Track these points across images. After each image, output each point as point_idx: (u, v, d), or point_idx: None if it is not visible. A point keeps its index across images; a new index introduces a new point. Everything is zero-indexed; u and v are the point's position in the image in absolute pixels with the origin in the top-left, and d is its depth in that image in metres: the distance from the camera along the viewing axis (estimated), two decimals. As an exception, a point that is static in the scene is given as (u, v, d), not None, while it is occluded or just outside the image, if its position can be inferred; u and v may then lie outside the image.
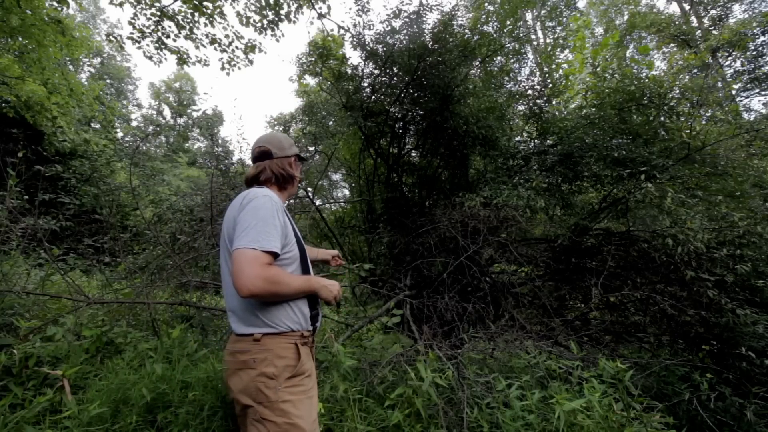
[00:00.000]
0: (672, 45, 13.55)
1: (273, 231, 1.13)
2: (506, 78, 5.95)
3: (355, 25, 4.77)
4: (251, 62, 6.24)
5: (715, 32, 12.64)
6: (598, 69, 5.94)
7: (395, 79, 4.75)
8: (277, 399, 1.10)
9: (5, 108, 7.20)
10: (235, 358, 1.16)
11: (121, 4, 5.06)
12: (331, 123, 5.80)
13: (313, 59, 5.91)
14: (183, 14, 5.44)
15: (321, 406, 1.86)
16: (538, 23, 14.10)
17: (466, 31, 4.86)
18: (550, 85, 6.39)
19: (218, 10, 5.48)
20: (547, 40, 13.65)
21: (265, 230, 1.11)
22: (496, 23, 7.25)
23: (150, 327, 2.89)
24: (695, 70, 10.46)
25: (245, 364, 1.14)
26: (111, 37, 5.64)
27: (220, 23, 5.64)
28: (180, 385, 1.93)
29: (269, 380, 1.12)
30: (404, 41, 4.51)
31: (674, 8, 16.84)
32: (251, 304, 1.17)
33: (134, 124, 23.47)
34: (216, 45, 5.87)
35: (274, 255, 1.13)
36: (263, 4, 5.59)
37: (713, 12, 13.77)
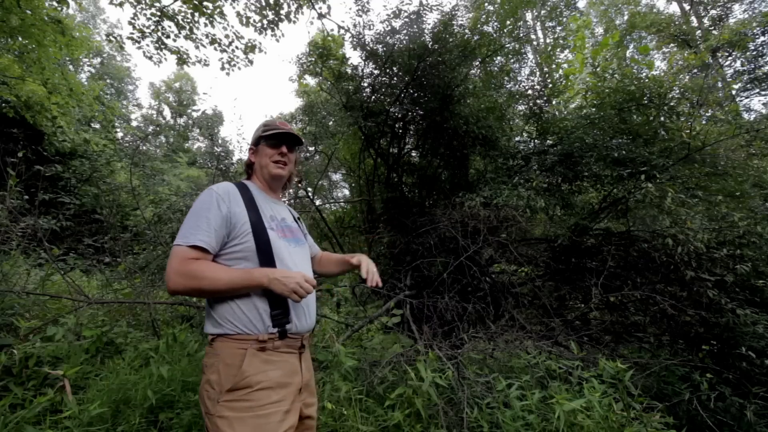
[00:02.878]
0: (672, 45, 13.55)
1: (203, 224, 1.07)
2: (506, 78, 5.95)
3: (355, 25, 4.78)
4: (251, 62, 6.23)
5: (715, 32, 12.64)
6: (598, 69, 5.94)
7: (395, 79, 4.75)
8: (214, 413, 1.00)
9: (5, 108, 7.20)
10: None
11: (121, 4, 5.05)
12: (331, 123, 5.80)
13: (313, 59, 5.91)
14: (183, 14, 5.44)
15: (329, 405, 1.85)
16: (538, 23, 14.10)
17: (466, 31, 4.86)
18: (550, 85, 6.39)
19: (218, 10, 5.48)
20: (547, 40, 13.65)
21: (195, 224, 1.07)
22: (496, 23, 7.25)
23: (150, 327, 2.89)
24: (695, 70, 10.46)
25: (202, 368, 1.09)
26: (111, 37, 5.63)
27: (220, 23, 5.64)
28: (182, 385, 1.94)
29: (211, 390, 1.03)
30: (404, 41, 4.51)
31: (674, 8, 16.85)
32: (206, 303, 1.13)
33: (134, 124, 23.46)
34: (216, 45, 5.87)
35: (202, 249, 1.05)
36: (263, 4, 5.59)
37: (713, 12, 13.76)
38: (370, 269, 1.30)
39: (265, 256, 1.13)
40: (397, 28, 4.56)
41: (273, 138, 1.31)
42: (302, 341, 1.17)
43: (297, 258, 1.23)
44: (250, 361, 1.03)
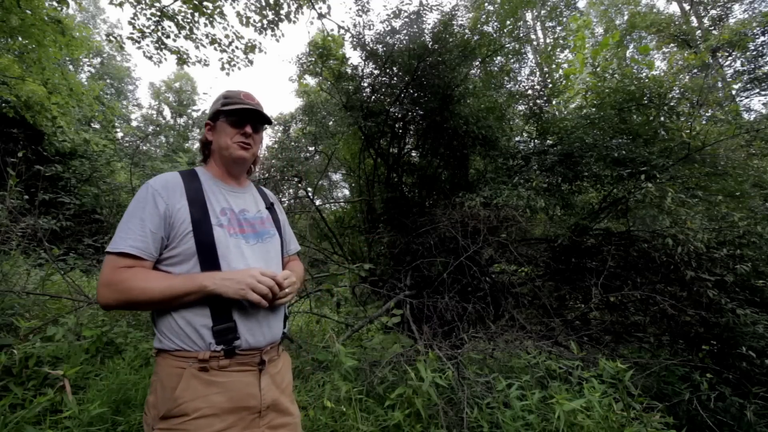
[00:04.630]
0: (672, 45, 13.55)
1: (134, 226, 0.92)
2: (506, 78, 5.95)
3: (355, 25, 4.77)
4: (251, 62, 6.24)
5: (715, 32, 12.64)
6: (598, 69, 5.94)
7: (395, 79, 4.75)
8: None
9: (5, 108, 7.20)
10: None
11: (121, 4, 5.05)
12: (331, 123, 5.80)
13: (313, 59, 5.91)
14: (183, 14, 5.44)
15: (330, 405, 1.85)
16: (538, 23, 14.10)
17: (466, 31, 4.86)
18: (550, 85, 6.39)
19: (218, 10, 5.48)
20: (547, 40, 13.65)
21: (126, 228, 0.93)
22: (496, 23, 7.25)
23: (150, 327, 2.89)
24: (695, 70, 10.46)
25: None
26: (111, 37, 5.63)
27: (220, 23, 5.64)
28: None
29: (148, 412, 0.91)
30: (404, 41, 4.51)
31: (674, 8, 16.87)
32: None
33: (134, 124, 23.47)
34: (216, 45, 5.87)
35: (134, 257, 0.91)
36: (263, 4, 5.59)
37: (713, 12, 13.77)
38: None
39: (208, 258, 0.95)
40: (397, 28, 4.56)
41: (234, 114, 1.09)
42: (261, 357, 0.98)
43: (254, 256, 1.03)
44: (187, 384, 0.87)
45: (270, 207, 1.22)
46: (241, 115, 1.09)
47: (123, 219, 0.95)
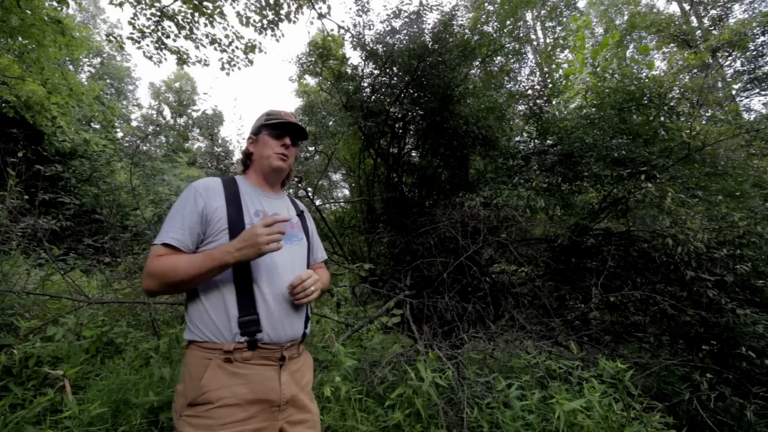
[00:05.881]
0: (672, 45, 13.54)
1: (177, 222, 1.04)
2: (506, 78, 5.95)
3: (355, 25, 4.77)
4: (251, 62, 6.23)
5: (715, 32, 12.64)
6: (598, 69, 5.94)
7: (395, 79, 4.75)
8: (177, 427, 0.94)
9: (5, 108, 7.19)
10: None
11: (121, 4, 5.05)
12: (331, 123, 5.80)
13: (313, 59, 5.91)
14: (183, 14, 5.44)
15: (331, 404, 1.84)
16: (538, 23, 14.10)
17: (466, 31, 4.86)
18: (550, 85, 6.39)
19: (218, 10, 5.47)
20: (547, 40, 13.65)
21: (170, 222, 1.04)
22: (496, 23, 7.24)
23: (150, 327, 2.89)
24: (695, 70, 10.45)
25: None
26: (111, 37, 5.63)
27: (220, 23, 5.64)
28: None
29: (177, 400, 0.98)
30: (404, 41, 4.51)
31: (674, 8, 16.87)
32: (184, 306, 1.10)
33: (134, 124, 23.45)
34: (216, 45, 5.87)
35: (174, 248, 1.01)
36: (263, 4, 5.59)
37: (713, 12, 13.76)
38: (304, 284, 1.07)
39: None
40: (397, 28, 4.56)
41: (276, 128, 1.23)
42: (282, 353, 1.04)
43: (281, 255, 1.09)
44: (212, 374, 0.94)
45: (300, 214, 1.32)
46: (282, 129, 1.24)
47: (168, 216, 1.07)
